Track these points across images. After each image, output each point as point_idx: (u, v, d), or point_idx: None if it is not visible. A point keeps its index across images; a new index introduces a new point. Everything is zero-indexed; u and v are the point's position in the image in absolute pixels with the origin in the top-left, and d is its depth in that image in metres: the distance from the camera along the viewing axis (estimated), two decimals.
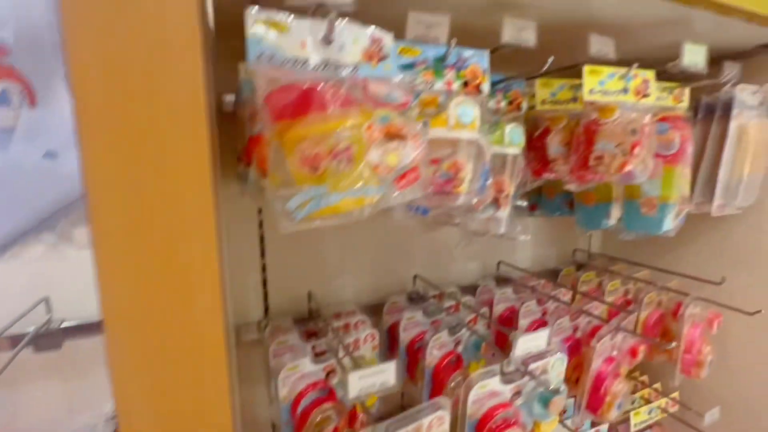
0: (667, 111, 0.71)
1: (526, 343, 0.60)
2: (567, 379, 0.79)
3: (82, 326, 0.74)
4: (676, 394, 1.00)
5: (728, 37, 0.77)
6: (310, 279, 0.87)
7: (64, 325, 0.72)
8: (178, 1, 0.30)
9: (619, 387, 0.73)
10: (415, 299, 0.91)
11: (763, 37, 0.79)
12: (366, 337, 0.73)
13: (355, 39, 0.37)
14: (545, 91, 0.70)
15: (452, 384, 0.73)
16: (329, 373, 0.69)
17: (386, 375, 0.49)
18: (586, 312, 0.83)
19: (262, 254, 0.83)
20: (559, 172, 0.69)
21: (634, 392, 1.02)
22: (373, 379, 0.48)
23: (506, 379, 0.62)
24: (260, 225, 0.82)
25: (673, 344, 0.82)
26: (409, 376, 0.83)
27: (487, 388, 0.60)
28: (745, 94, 0.79)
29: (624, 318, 0.78)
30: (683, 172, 0.71)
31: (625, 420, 0.96)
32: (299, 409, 0.64)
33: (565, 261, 1.19)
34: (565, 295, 0.94)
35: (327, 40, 0.35)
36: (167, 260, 0.32)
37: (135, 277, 0.31)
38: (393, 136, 0.34)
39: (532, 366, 0.63)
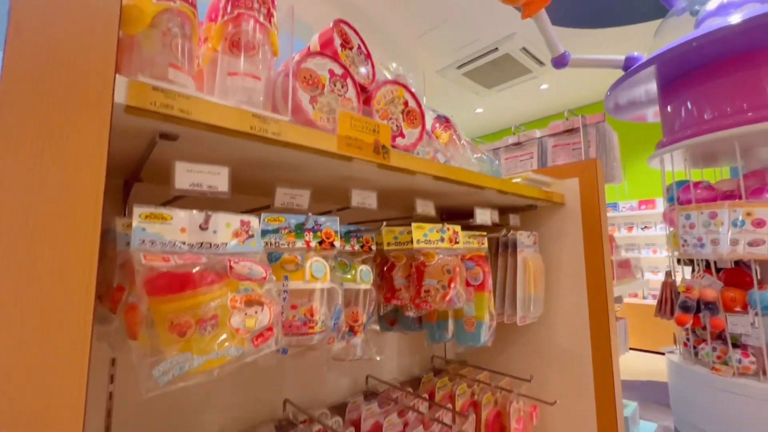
0: (473, 252, 0.98)
1: None
2: None
3: None
4: None
5: (508, 200, 1.14)
6: (165, 421, 0.81)
7: None
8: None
9: None
10: (285, 427, 0.91)
11: (528, 202, 1.19)
12: None
13: (228, 223, 0.48)
14: (390, 236, 0.91)
15: None
16: None
17: None
18: (438, 420, 0.95)
19: (110, 396, 0.76)
20: (403, 300, 0.87)
21: None
22: None
23: None
24: (112, 362, 0.76)
25: None
26: None
27: None
28: (524, 238, 1.15)
29: (464, 422, 0.92)
30: (488, 297, 0.96)
31: None
32: None
33: (426, 368, 1.34)
34: (423, 404, 1.06)
35: (203, 227, 0.45)
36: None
37: None
38: (252, 303, 0.43)
39: None
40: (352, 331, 0.76)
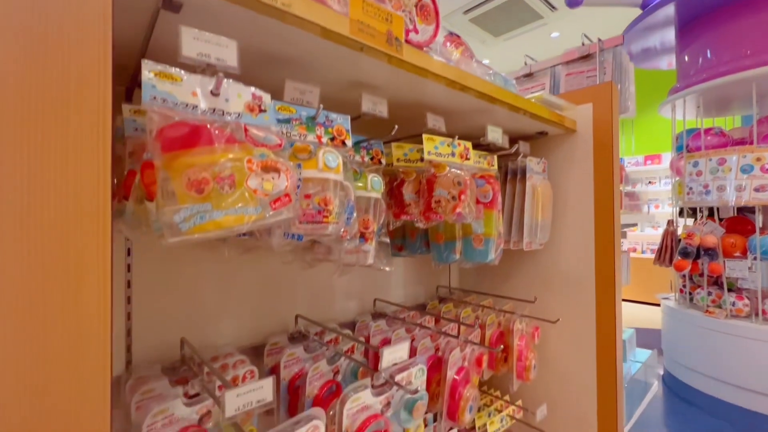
0: (483, 171, 0.97)
1: (390, 355, 0.70)
2: (431, 395, 0.90)
3: None
4: (519, 402, 1.21)
5: (519, 126, 1.11)
6: (183, 326, 0.84)
7: None
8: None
9: (470, 392, 0.88)
10: (297, 338, 0.94)
11: (539, 128, 1.16)
12: (245, 374, 0.73)
13: (239, 94, 0.46)
14: (399, 152, 0.89)
15: (331, 412, 0.77)
16: (203, 417, 0.66)
17: (263, 392, 0.52)
18: (445, 333, 0.98)
19: (128, 300, 0.78)
20: (413, 214, 0.87)
21: (489, 404, 1.19)
22: (250, 396, 0.51)
23: (377, 391, 0.70)
24: (128, 268, 0.78)
25: (500, 347, 1.03)
26: (290, 416, 0.83)
27: (359, 402, 0.66)
28: (533, 164, 1.13)
29: (470, 333, 0.96)
30: (497, 215, 0.96)
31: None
32: None
33: (431, 296, 1.37)
34: (429, 322, 1.09)
35: (215, 93, 0.43)
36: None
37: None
38: (269, 169, 0.43)
39: (398, 377, 0.72)
40: (363, 237, 0.76)
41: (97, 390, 0.37)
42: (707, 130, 2.76)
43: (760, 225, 2.45)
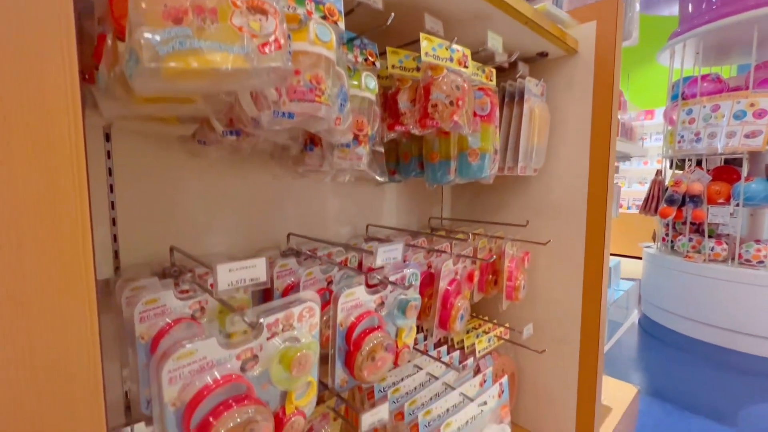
0: (481, 84, 0.93)
1: (385, 253, 0.70)
2: (422, 308, 0.92)
3: None
4: (507, 325, 1.25)
5: (519, 42, 1.06)
6: (172, 237, 0.82)
7: None
8: None
9: (461, 302, 0.89)
10: (289, 254, 0.94)
11: (540, 47, 1.11)
12: None
13: None
14: (395, 58, 0.84)
15: (325, 318, 0.78)
16: (196, 313, 0.65)
17: (257, 270, 0.51)
18: (437, 251, 0.99)
19: (112, 206, 0.75)
20: (408, 124, 0.84)
21: (478, 327, 1.23)
22: (243, 273, 0.50)
23: (371, 290, 0.70)
24: (109, 172, 0.74)
25: (493, 258, 1.05)
26: None
27: (353, 297, 0.66)
28: (532, 85, 1.09)
29: (463, 249, 0.96)
30: (494, 130, 0.93)
31: (472, 351, 1.15)
32: (160, 347, 0.59)
33: (423, 226, 1.38)
34: (423, 244, 1.09)
35: None
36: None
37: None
38: (255, 9, 0.38)
39: (392, 278, 0.72)
40: (356, 140, 0.73)
41: (82, 287, 0.35)
42: (704, 77, 2.72)
43: (746, 173, 2.49)
